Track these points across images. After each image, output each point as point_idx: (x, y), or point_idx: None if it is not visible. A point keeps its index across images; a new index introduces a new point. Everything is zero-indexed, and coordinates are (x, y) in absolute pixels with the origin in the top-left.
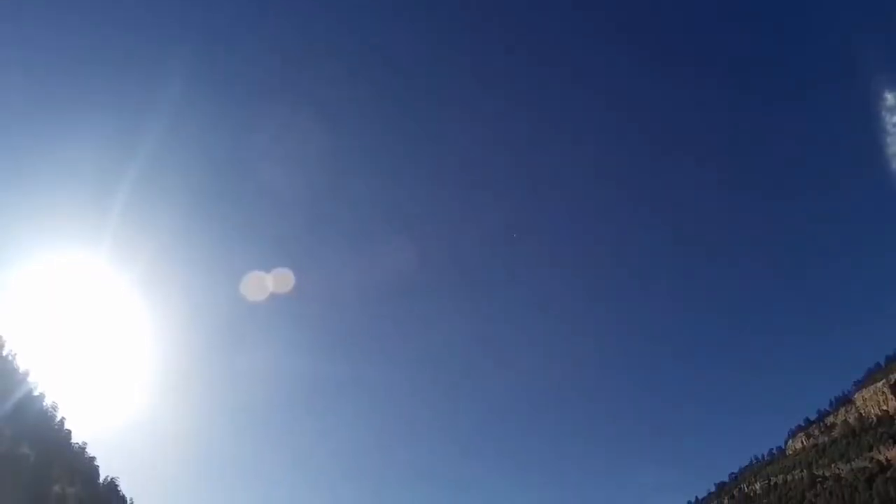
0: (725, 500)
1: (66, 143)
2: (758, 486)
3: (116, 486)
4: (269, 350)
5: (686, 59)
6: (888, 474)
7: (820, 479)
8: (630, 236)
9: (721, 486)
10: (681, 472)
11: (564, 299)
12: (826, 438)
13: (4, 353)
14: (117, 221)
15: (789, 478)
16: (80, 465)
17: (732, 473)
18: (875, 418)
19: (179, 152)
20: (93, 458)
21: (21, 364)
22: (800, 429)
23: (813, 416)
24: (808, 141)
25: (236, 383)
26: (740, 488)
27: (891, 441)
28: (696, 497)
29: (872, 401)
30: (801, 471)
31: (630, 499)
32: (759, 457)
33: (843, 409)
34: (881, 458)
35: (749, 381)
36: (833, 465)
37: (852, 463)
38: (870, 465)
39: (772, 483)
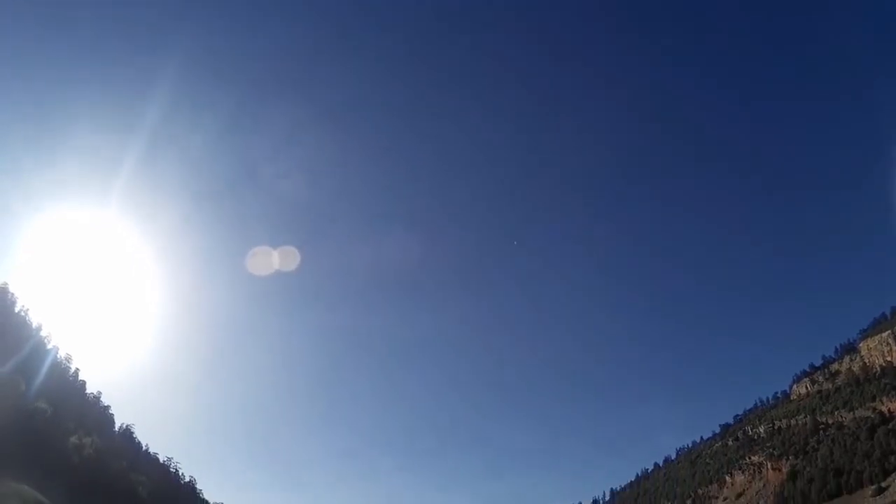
0: (730, 442)
1: (80, 100)
2: (762, 429)
3: (132, 433)
4: (274, 306)
5: None
6: (890, 426)
7: (823, 426)
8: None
9: (726, 428)
10: (686, 412)
11: (570, 234)
12: (830, 386)
13: (17, 309)
14: (129, 177)
15: (793, 423)
16: (95, 415)
17: (737, 416)
18: (879, 368)
19: (192, 115)
20: (107, 408)
21: (34, 319)
22: (804, 374)
23: (818, 363)
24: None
25: (242, 335)
26: (744, 431)
27: (894, 392)
28: (701, 437)
29: (877, 351)
30: (805, 416)
31: (636, 436)
32: (764, 400)
33: (847, 358)
34: (884, 408)
35: (756, 325)
36: (836, 413)
37: (855, 412)
38: (872, 416)
39: (776, 427)
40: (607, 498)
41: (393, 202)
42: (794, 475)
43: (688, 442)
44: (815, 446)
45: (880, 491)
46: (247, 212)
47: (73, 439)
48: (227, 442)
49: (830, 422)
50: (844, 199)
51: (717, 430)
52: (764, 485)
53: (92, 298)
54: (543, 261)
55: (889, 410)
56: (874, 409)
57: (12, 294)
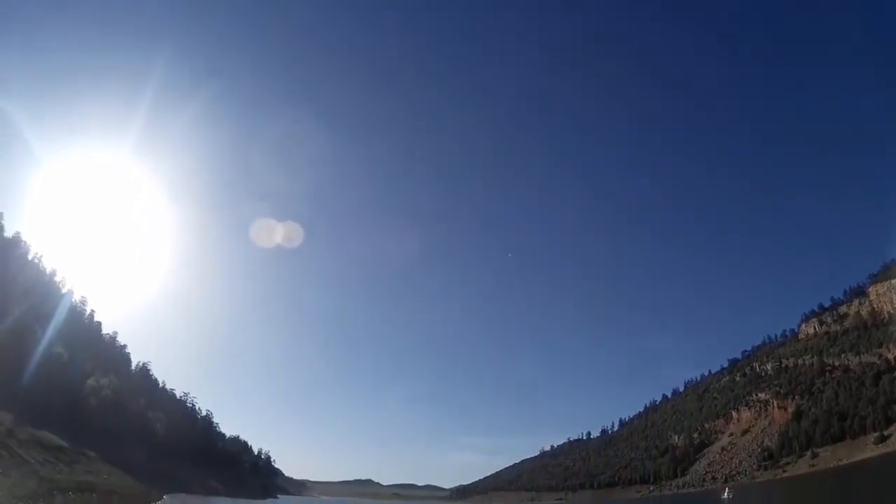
0: (737, 377)
1: (94, 44)
2: (769, 366)
3: (148, 370)
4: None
5: None
6: (895, 374)
7: (829, 367)
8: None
9: (734, 363)
10: (695, 345)
11: (579, 170)
12: (838, 328)
13: (30, 257)
14: (144, 121)
15: (800, 362)
16: (111, 356)
17: (745, 351)
18: (887, 315)
19: (206, 64)
20: (124, 347)
21: (48, 265)
22: (813, 314)
23: (827, 304)
24: None
25: (255, 272)
26: (752, 367)
27: None
28: (710, 371)
29: (886, 297)
30: (812, 357)
31: (645, 367)
32: (773, 337)
33: (856, 301)
34: (890, 356)
35: (767, 263)
36: (843, 356)
37: (861, 356)
38: (878, 362)
39: (783, 365)
40: (616, 428)
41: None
42: (799, 415)
43: (696, 375)
44: (821, 388)
45: (883, 439)
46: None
47: (91, 381)
48: (242, 376)
49: (837, 364)
50: (865, 142)
51: (725, 364)
52: (769, 423)
53: (106, 241)
54: (552, 197)
55: (895, 358)
56: (880, 355)
57: (25, 243)
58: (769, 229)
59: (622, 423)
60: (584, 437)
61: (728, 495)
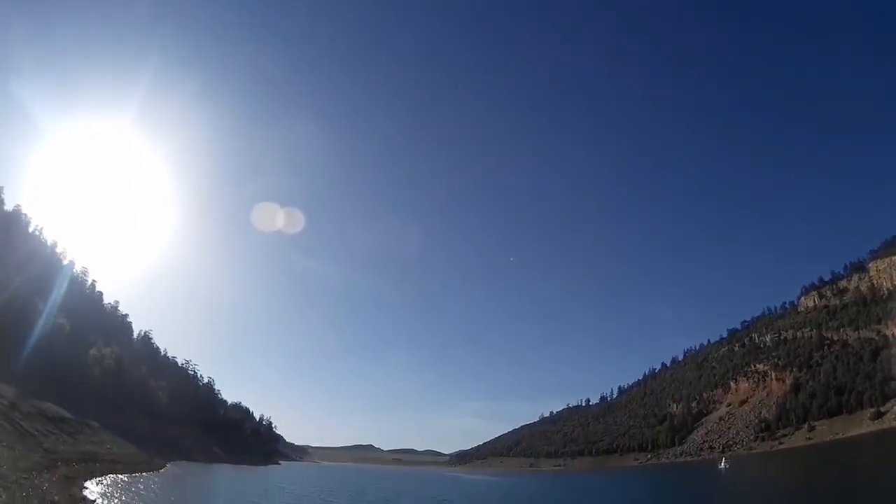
0: (736, 348)
1: (97, 18)
2: (768, 338)
3: (150, 339)
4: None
5: None
6: (893, 350)
7: (828, 341)
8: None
9: (733, 333)
10: (695, 315)
11: (583, 133)
12: (837, 302)
13: (31, 229)
14: (145, 95)
15: (799, 335)
16: (113, 325)
17: (745, 322)
18: (887, 291)
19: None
20: (125, 316)
21: (49, 237)
22: (813, 287)
23: (827, 278)
24: None
25: (254, 238)
26: (751, 338)
27: None
28: (709, 340)
29: (886, 273)
30: (811, 330)
31: (645, 335)
32: (772, 309)
33: (856, 276)
34: (888, 332)
35: (768, 235)
36: (842, 330)
37: (860, 332)
38: (876, 338)
39: (782, 337)
40: (615, 395)
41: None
42: (796, 388)
43: (695, 344)
44: (819, 361)
45: (879, 415)
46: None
47: (93, 351)
48: (244, 343)
49: (835, 338)
50: (871, 119)
51: (725, 334)
52: (767, 394)
53: (107, 212)
54: (555, 169)
55: (894, 335)
56: (879, 331)
57: (25, 215)
58: (771, 203)
59: (621, 391)
60: (584, 404)
61: (725, 465)
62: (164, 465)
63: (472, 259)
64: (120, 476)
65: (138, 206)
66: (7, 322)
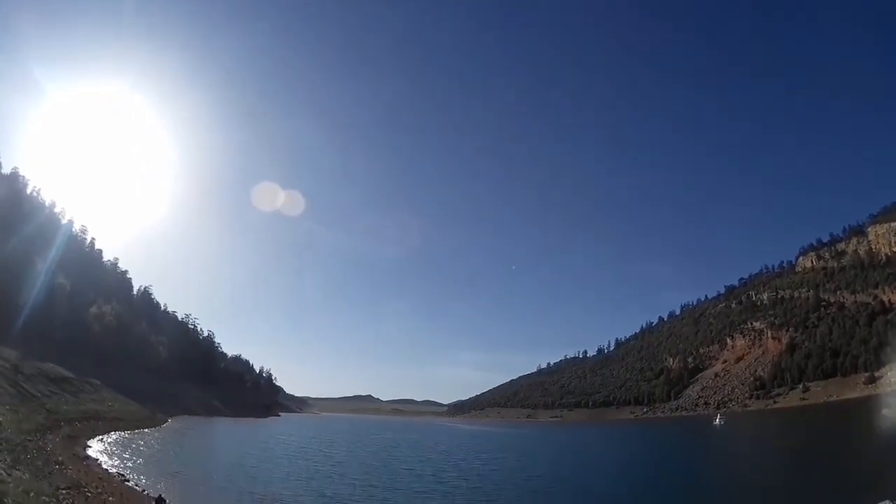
0: (733, 305)
1: None
2: (765, 296)
3: (150, 294)
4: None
5: None
6: (889, 316)
7: (825, 303)
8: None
9: (730, 290)
10: (692, 270)
11: (579, 93)
12: (835, 264)
13: (29, 191)
14: (146, 57)
15: (796, 294)
16: (113, 282)
17: (742, 279)
18: (885, 257)
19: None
20: (125, 272)
21: (46, 197)
22: (811, 248)
23: (825, 239)
24: None
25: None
26: (748, 295)
27: None
28: (706, 296)
29: (884, 238)
30: (808, 291)
31: (642, 289)
32: (770, 268)
33: (854, 240)
34: (885, 298)
35: (767, 194)
36: (839, 293)
37: (857, 295)
38: (873, 303)
39: (779, 296)
40: (612, 348)
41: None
42: (792, 348)
43: (692, 299)
44: (816, 322)
45: (873, 380)
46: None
47: (94, 309)
48: (244, 297)
49: (832, 301)
50: (877, 84)
51: (722, 290)
52: (763, 352)
53: (106, 170)
54: (553, 122)
55: (890, 301)
56: (875, 296)
57: (23, 177)
58: (773, 163)
59: (618, 344)
60: (581, 356)
61: (720, 421)
62: (166, 421)
63: (471, 214)
64: (122, 433)
65: (137, 164)
66: (7, 284)
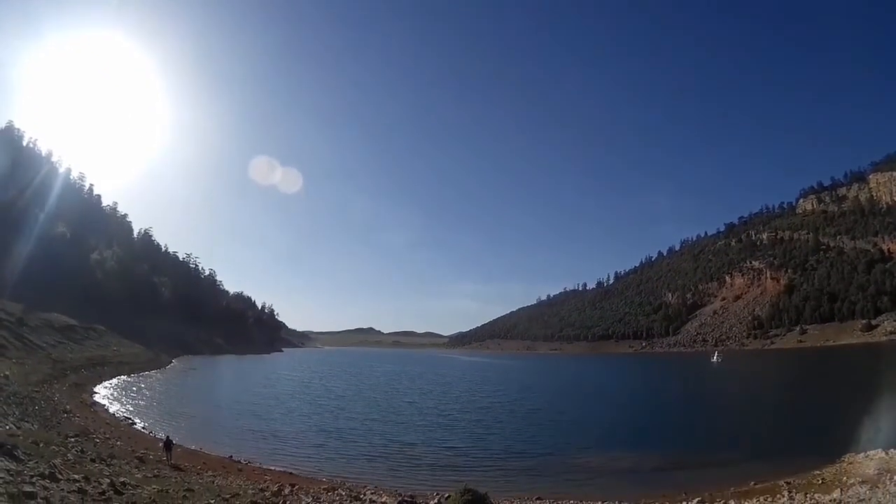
0: (732, 242)
1: None
2: (765, 236)
3: (150, 236)
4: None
5: None
6: (888, 265)
7: (824, 247)
8: None
9: (730, 228)
10: (693, 205)
11: (585, 35)
12: (836, 209)
13: (25, 142)
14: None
15: (795, 236)
16: (113, 226)
17: (742, 217)
18: (886, 205)
19: None
20: (125, 216)
21: (43, 147)
22: (812, 191)
23: (826, 183)
24: None
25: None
26: (748, 234)
27: None
28: (706, 232)
29: (886, 187)
30: (808, 233)
31: (642, 223)
32: (770, 208)
33: (855, 185)
34: (884, 246)
35: (770, 132)
36: (838, 238)
37: (856, 241)
38: (872, 250)
39: (778, 237)
40: (612, 281)
41: None
42: (790, 289)
43: (692, 235)
44: (814, 266)
45: (870, 328)
46: None
47: (95, 255)
48: (245, 234)
49: (832, 245)
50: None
51: (722, 228)
52: (762, 292)
53: (103, 116)
54: (553, 53)
55: (889, 250)
56: (875, 244)
57: (18, 130)
58: (777, 104)
59: (617, 277)
60: (581, 288)
61: (718, 359)
62: (170, 362)
63: (472, 139)
64: (127, 377)
65: (135, 110)
66: (7, 236)
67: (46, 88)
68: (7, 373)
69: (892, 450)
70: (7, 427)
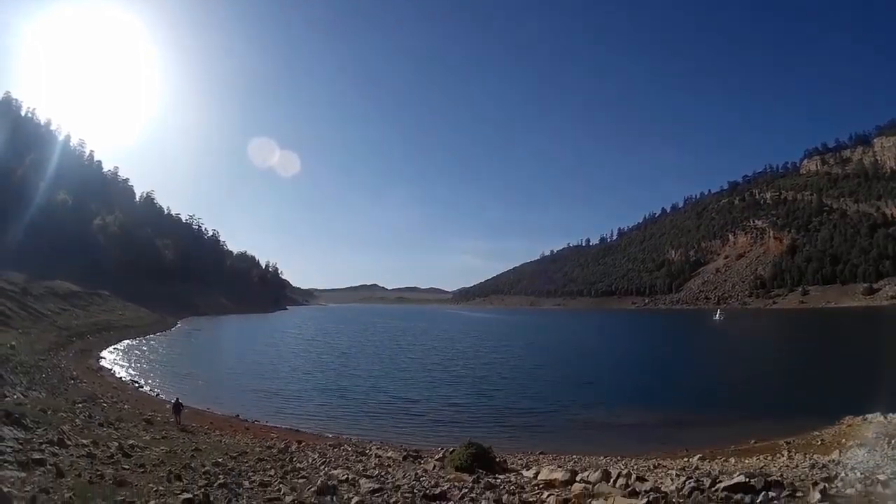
0: (736, 201)
1: None
2: (768, 195)
3: (153, 199)
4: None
5: None
6: (890, 230)
7: (827, 208)
8: None
9: (734, 186)
10: (696, 162)
11: None
12: (839, 171)
13: (24, 112)
14: None
15: (799, 196)
16: (115, 191)
17: (746, 176)
18: (890, 170)
19: None
20: (126, 180)
21: (42, 116)
22: (816, 152)
23: (831, 145)
24: None
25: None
26: (752, 193)
27: None
28: (709, 190)
29: (891, 152)
30: (812, 194)
31: (646, 179)
32: (774, 167)
33: (860, 148)
34: (888, 211)
35: (777, 90)
36: (842, 200)
37: (860, 205)
38: (875, 214)
39: (782, 197)
40: (615, 237)
41: None
42: (793, 249)
43: (695, 192)
44: (817, 227)
45: (871, 291)
46: None
47: (97, 221)
48: (247, 192)
49: (835, 207)
50: None
51: (725, 186)
52: (764, 251)
53: (102, 83)
54: (547, 14)
55: (893, 215)
56: (878, 208)
57: (16, 101)
58: (783, 62)
59: (621, 233)
60: (584, 244)
61: (720, 317)
62: (175, 323)
63: (472, 91)
64: (133, 340)
65: (133, 75)
66: (8, 206)
67: (43, 56)
68: (13, 343)
69: (891, 414)
70: (15, 396)
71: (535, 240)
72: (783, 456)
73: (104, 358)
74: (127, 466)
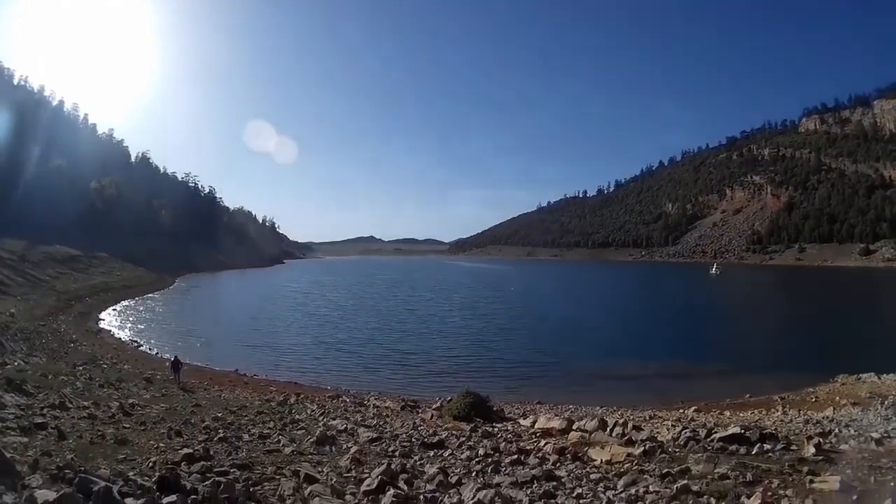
0: (734, 156)
1: None
2: (766, 152)
3: (148, 160)
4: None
5: None
6: (888, 192)
7: (825, 167)
8: None
9: (732, 141)
10: (694, 115)
11: None
12: (839, 130)
13: (16, 81)
14: None
15: (797, 154)
16: (110, 153)
17: (744, 132)
18: (889, 132)
19: None
20: (121, 142)
21: (34, 83)
22: (815, 111)
23: (830, 104)
24: None
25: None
26: (750, 149)
27: None
28: (707, 144)
29: (890, 114)
30: (810, 153)
31: (644, 131)
32: (772, 124)
33: (859, 109)
34: (886, 173)
35: (777, 46)
36: (840, 160)
37: (858, 165)
38: (873, 176)
39: (780, 154)
40: (612, 189)
41: None
42: (790, 207)
43: (693, 147)
44: (815, 185)
45: (868, 252)
46: None
47: (93, 184)
48: (243, 146)
49: (833, 166)
50: None
51: (724, 141)
52: (762, 207)
53: (93, 45)
54: None
55: (891, 177)
56: (877, 170)
57: (8, 69)
58: (786, 18)
59: (618, 185)
60: (581, 195)
61: (716, 271)
62: (174, 282)
63: (471, 39)
64: (131, 301)
65: (125, 38)
66: (5, 175)
67: (36, 22)
68: (12, 310)
69: (884, 375)
70: (16, 363)
71: (533, 191)
72: (777, 411)
73: (103, 320)
74: (128, 425)
